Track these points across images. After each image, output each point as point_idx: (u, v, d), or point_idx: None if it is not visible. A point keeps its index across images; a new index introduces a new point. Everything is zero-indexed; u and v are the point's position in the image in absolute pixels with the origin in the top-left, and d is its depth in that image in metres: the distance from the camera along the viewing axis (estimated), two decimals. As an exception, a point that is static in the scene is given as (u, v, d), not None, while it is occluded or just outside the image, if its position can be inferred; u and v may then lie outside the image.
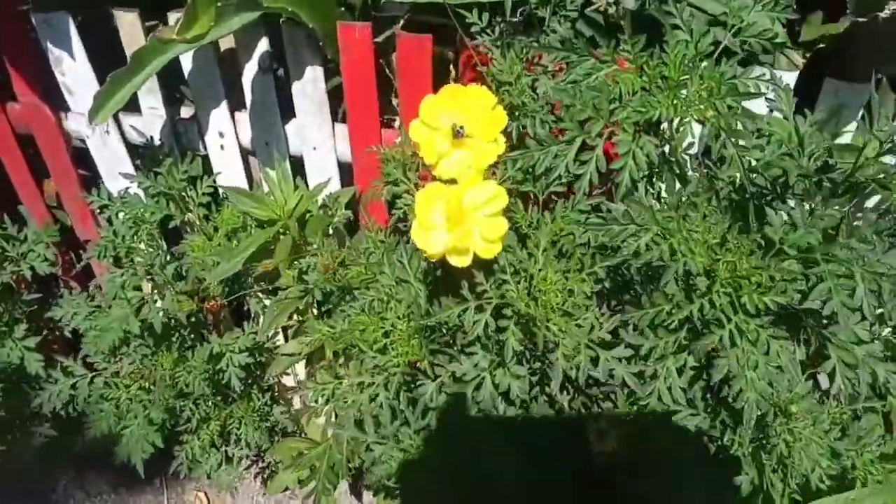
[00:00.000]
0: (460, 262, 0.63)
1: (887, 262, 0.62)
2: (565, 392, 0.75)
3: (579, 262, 0.69)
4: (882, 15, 0.85)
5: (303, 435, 1.70)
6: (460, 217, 0.63)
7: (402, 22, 1.34)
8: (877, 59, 0.91)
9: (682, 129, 0.86)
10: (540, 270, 0.67)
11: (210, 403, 1.52)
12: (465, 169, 0.64)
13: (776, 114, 0.83)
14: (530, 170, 0.84)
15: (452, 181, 0.64)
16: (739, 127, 0.77)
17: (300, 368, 1.63)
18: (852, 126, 0.97)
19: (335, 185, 1.40)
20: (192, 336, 1.47)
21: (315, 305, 1.20)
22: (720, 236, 0.69)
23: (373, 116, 1.29)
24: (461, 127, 0.64)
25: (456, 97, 0.65)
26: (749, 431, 0.62)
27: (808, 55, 0.98)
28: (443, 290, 0.75)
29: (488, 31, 0.90)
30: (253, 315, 1.53)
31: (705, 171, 0.89)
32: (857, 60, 0.93)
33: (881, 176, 0.63)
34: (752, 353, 0.64)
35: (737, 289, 0.67)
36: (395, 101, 1.80)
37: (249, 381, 1.56)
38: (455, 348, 0.72)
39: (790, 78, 0.97)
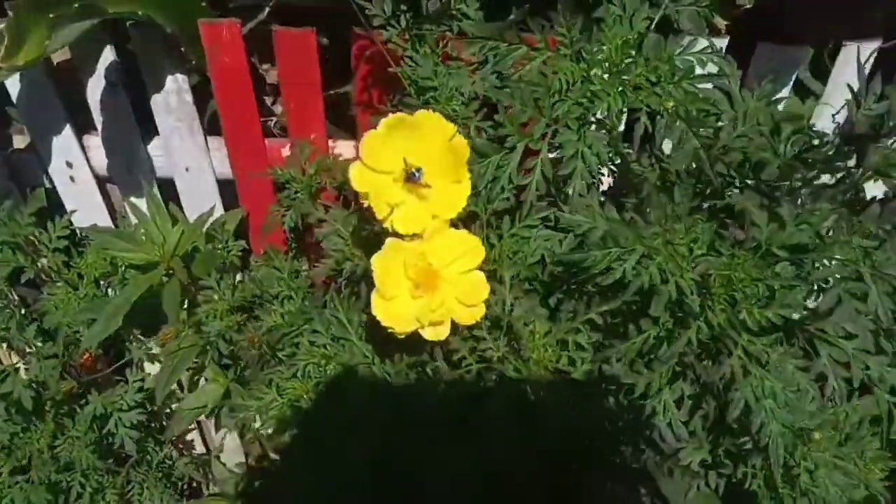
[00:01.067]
0: (437, 334, 0.51)
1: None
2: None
3: (570, 311, 0.58)
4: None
5: (211, 485, 1.53)
6: (431, 280, 0.50)
7: (266, 10, 1.16)
8: (822, 17, 0.84)
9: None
10: (526, 325, 0.55)
11: (101, 472, 1.31)
12: (426, 220, 0.51)
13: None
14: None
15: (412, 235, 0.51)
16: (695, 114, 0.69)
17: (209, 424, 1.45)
18: (785, 92, 0.92)
19: (219, 210, 1.21)
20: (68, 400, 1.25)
21: (217, 356, 1.03)
22: (706, 247, 0.60)
23: (252, 127, 1.12)
24: (416, 169, 0.50)
25: (403, 129, 0.51)
26: (779, 469, 0.54)
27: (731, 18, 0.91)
28: (391, 347, 0.62)
29: (393, 22, 0.76)
30: (135, 361, 1.33)
31: (653, 163, 0.81)
32: (795, 20, 0.87)
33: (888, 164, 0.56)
34: (767, 380, 0.55)
35: (732, 304, 0.59)
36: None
37: (143, 436, 1.37)
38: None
39: (721, 44, 0.90)
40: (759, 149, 0.66)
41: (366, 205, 0.52)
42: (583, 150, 0.69)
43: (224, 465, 1.57)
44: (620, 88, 0.70)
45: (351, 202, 0.90)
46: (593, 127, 0.72)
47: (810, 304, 0.61)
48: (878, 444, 0.70)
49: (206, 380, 1.18)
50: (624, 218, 0.68)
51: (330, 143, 1.14)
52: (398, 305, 0.50)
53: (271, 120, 1.59)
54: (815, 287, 0.59)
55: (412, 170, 0.50)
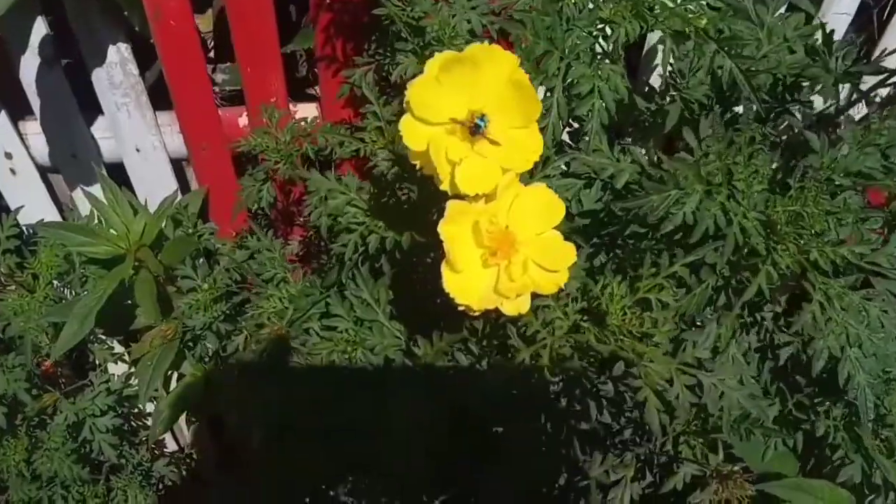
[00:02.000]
0: (518, 307, 0.43)
1: None
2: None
3: (652, 263, 0.50)
4: None
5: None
6: (507, 245, 0.42)
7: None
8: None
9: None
10: (604, 286, 0.48)
11: (82, 483, 1.22)
12: (496, 174, 0.42)
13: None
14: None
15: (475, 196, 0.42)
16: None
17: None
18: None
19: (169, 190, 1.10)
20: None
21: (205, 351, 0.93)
22: (767, 181, 0.53)
23: (206, 98, 1.01)
24: (481, 116, 0.42)
25: (457, 69, 0.41)
26: (869, 420, 0.49)
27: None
28: (429, 323, 0.54)
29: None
30: (99, 363, 1.23)
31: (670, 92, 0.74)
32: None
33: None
34: (850, 325, 0.50)
35: (800, 243, 0.53)
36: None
37: (119, 440, 1.28)
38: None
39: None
40: (805, 66, 0.59)
41: (418, 166, 0.43)
42: (599, 86, 0.62)
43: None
44: (634, 10, 0.62)
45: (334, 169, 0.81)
46: (608, 61, 0.64)
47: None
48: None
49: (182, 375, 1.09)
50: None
51: (290, 107, 1.04)
52: (472, 278, 0.42)
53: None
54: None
55: (476, 118, 0.42)
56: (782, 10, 0.70)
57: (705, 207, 0.50)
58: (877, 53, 0.93)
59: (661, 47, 0.62)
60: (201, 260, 0.93)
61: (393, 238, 0.52)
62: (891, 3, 0.95)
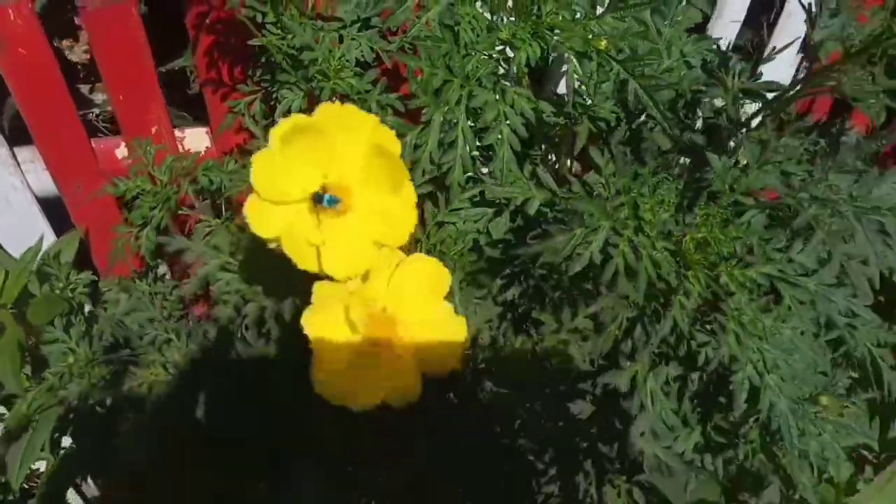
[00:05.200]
0: (406, 399, 0.38)
1: (882, 193, 0.49)
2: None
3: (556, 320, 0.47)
4: None
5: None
6: (388, 330, 0.37)
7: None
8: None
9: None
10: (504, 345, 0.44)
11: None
12: (369, 253, 0.37)
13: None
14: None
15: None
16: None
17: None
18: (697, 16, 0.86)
19: (49, 236, 1.00)
20: None
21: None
22: (673, 208, 0.51)
23: (72, 130, 0.91)
24: (330, 197, 0.36)
25: (303, 136, 0.36)
26: (795, 449, 0.48)
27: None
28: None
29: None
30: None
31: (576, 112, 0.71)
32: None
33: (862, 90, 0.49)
34: (766, 352, 0.49)
35: (712, 267, 0.51)
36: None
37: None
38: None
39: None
40: (701, 82, 0.58)
41: (276, 249, 0.38)
42: (505, 111, 0.59)
43: None
44: (533, 30, 0.59)
45: (222, 208, 0.75)
46: (508, 84, 0.61)
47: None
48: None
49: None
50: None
51: (177, 133, 0.95)
52: (349, 375, 0.37)
53: (91, 112, 1.34)
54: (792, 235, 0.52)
55: (322, 194, 0.36)
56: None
57: (613, 244, 0.47)
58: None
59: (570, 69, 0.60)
60: (78, 317, 0.84)
61: (272, 307, 0.46)
62: (775, 10, 0.98)
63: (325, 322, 0.37)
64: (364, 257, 0.37)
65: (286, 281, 0.42)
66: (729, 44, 0.96)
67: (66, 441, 0.85)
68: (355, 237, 0.37)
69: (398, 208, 0.38)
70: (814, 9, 0.51)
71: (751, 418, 0.56)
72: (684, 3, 0.69)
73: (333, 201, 0.37)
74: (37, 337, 0.82)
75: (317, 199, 0.37)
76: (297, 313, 0.38)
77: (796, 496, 0.56)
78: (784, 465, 0.55)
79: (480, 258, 0.58)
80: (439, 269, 0.41)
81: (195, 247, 0.48)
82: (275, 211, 0.37)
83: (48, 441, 0.82)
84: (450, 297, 0.46)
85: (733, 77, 0.56)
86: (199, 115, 1.02)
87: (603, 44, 0.55)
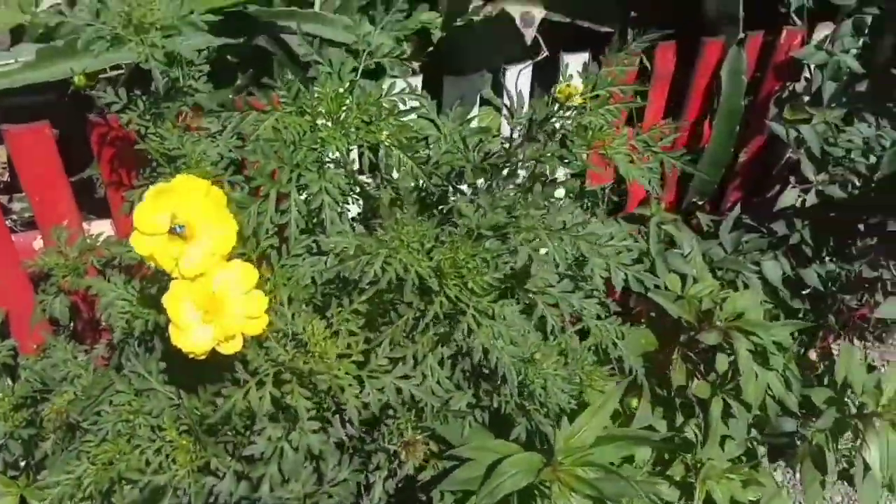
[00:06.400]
0: (232, 347, 0.61)
1: (561, 219, 0.77)
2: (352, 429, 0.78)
3: (337, 305, 0.71)
4: (476, 19, 1.02)
5: None
6: (217, 306, 0.60)
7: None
8: (482, 53, 1.08)
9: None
10: (305, 328, 0.67)
11: None
12: (205, 261, 0.61)
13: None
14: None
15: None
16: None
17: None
18: (475, 110, 1.15)
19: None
20: None
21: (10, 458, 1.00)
22: (434, 240, 0.77)
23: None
24: (179, 225, 0.60)
25: (165, 195, 0.61)
26: (515, 389, 0.72)
27: (422, 59, 1.13)
28: (196, 381, 0.70)
29: (131, 106, 0.85)
30: None
31: (382, 184, 0.98)
32: (467, 57, 1.10)
33: (539, 155, 0.77)
34: (494, 326, 0.74)
35: (461, 277, 0.77)
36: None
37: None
38: (243, 437, 0.68)
39: (417, 81, 1.11)
40: (458, 159, 0.85)
41: (152, 265, 0.61)
42: (325, 185, 0.83)
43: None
44: (343, 132, 0.85)
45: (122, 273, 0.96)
46: (332, 166, 0.87)
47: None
48: (595, 359, 0.93)
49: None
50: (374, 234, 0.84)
51: (85, 225, 1.17)
52: (194, 332, 0.60)
53: (9, 219, 1.53)
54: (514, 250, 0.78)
55: (176, 226, 0.60)
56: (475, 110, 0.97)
57: (388, 263, 0.72)
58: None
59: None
60: (2, 377, 1.01)
61: (153, 319, 0.69)
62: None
63: (177, 301, 0.60)
64: (203, 263, 0.61)
65: (159, 302, 0.64)
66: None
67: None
68: (197, 252, 0.61)
69: (222, 234, 0.62)
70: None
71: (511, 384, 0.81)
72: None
73: (182, 230, 0.61)
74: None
75: (172, 230, 0.61)
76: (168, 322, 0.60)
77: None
78: (529, 411, 0.79)
79: (315, 288, 0.82)
80: (249, 268, 0.64)
81: (105, 285, 0.70)
82: (148, 239, 0.61)
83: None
84: (278, 305, 0.70)
85: (474, 153, 0.83)
86: (103, 215, 1.24)
87: (384, 137, 0.81)
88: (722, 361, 1.14)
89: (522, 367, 0.77)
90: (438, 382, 0.76)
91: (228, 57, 1.33)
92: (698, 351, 1.21)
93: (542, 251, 0.76)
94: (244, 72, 1.38)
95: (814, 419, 1.27)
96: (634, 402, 1.16)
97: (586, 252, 0.82)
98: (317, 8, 1.33)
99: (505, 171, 0.82)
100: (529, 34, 1.03)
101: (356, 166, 1.20)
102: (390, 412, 0.78)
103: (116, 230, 1.18)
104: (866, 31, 1.39)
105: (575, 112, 0.85)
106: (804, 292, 1.43)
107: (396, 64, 0.97)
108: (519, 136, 0.86)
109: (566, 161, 0.77)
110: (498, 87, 1.28)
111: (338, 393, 0.64)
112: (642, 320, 1.31)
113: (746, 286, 1.32)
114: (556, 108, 0.72)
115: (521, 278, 0.86)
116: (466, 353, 0.78)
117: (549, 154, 0.77)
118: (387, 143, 0.84)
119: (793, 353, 1.32)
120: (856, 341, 1.62)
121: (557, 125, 0.77)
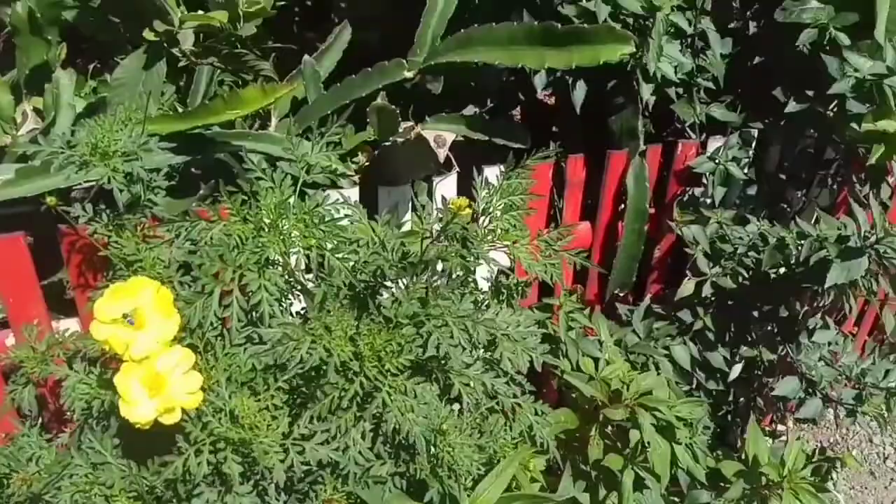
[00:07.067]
0: (172, 419, 0.72)
1: (465, 309, 0.91)
2: (283, 494, 0.88)
3: (264, 384, 0.83)
4: (400, 140, 1.20)
5: None
6: (160, 383, 0.72)
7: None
8: (407, 168, 1.27)
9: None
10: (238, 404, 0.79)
11: None
12: (154, 345, 0.73)
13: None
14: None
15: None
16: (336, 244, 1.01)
17: None
18: (408, 216, 1.31)
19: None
20: None
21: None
22: (355, 327, 0.90)
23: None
24: (130, 318, 0.73)
25: (120, 292, 0.74)
26: (425, 457, 0.83)
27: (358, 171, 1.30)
28: (147, 454, 0.81)
29: (97, 218, 0.99)
30: None
31: (317, 281, 1.12)
32: (396, 171, 1.28)
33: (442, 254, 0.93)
34: (406, 400, 0.86)
35: (380, 360, 0.89)
36: None
37: None
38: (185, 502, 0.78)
39: (354, 193, 1.27)
40: (380, 259, 1.00)
41: (107, 350, 0.74)
42: (264, 283, 0.97)
43: None
44: (281, 237, 1.00)
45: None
46: (273, 266, 1.01)
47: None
48: (508, 432, 1.05)
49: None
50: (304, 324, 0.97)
51: (54, 323, 1.28)
52: (140, 406, 0.72)
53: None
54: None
55: (127, 318, 0.74)
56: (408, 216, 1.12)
57: (313, 349, 0.85)
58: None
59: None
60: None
61: (110, 399, 0.80)
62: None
63: (127, 380, 0.72)
64: (149, 348, 0.74)
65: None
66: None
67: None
68: (144, 339, 0.74)
69: (167, 325, 0.75)
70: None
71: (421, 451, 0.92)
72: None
73: (132, 321, 0.74)
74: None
75: (125, 320, 0.74)
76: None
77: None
78: (441, 477, 0.91)
79: (256, 373, 0.94)
80: (187, 352, 0.77)
81: (64, 371, 0.82)
82: (105, 327, 0.74)
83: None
84: (216, 387, 0.82)
85: (392, 254, 0.98)
86: (71, 314, 1.36)
87: (312, 241, 0.96)
88: (633, 435, 1.26)
89: (433, 437, 0.88)
90: (360, 452, 0.87)
91: (193, 169, 1.50)
92: (615, 428, 1.33)
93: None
94: (206, 182, 1.55)
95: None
96: (537, 465, 1.22)
97: (494, 336, 0.96)
98: (272, 129, 1.51)
99: (419, 269, 0.97)
100: (441, 153, 1.21)
101: (303, 266, 1.35)
102: (319, 479, 0.88)
103: (82, 326, 1.29)
104: (753, 144, 1.61)
105: (485, 218, 1.01)
106: (717, 375, 1.58)
107: (330, 179, 1.14)
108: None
109: (466, 259, 0.92)
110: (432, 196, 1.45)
111: (262, 457, 0.75)
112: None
113: (658, 369, 1.45)
114: (451, 217, 0.87)
115: (438, 360, 0.99)
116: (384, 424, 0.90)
117: (452, 253, 0.92)
118: (316, 247, 0.98)
119: (705, 430, 1.45)
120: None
121: (458, 230, 0.92)
